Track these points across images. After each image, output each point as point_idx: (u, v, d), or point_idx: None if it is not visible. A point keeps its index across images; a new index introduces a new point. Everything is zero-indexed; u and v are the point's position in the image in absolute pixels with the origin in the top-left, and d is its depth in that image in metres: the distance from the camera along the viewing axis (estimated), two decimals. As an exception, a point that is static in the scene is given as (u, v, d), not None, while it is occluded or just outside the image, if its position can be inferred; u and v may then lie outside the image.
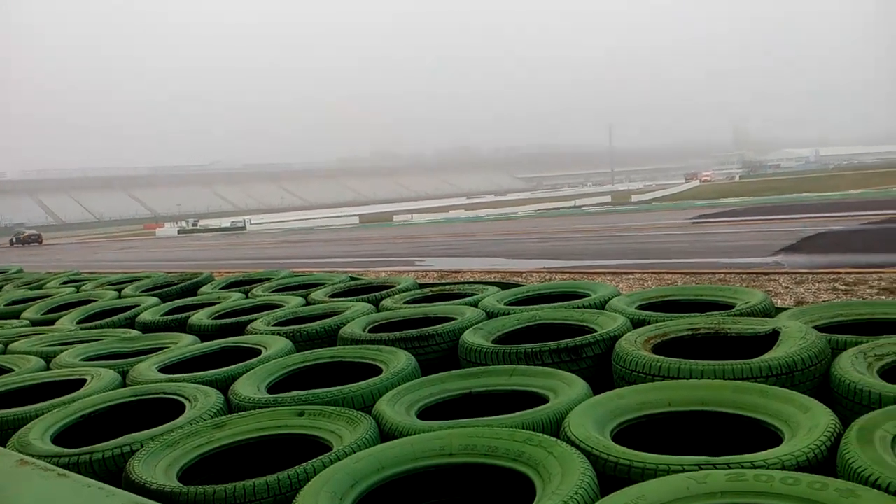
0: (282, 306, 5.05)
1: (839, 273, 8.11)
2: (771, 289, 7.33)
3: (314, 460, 2.19)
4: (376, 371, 3.19)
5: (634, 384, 2.70)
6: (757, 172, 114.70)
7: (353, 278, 6.22)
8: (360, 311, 4.46)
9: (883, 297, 6.42)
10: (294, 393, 2.92)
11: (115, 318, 5.35)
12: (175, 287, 6.39)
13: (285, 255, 23.36)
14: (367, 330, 3.99)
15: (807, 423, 2.15)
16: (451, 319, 3.91)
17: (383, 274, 11.50)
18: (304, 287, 5.98)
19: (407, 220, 50.64)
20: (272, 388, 3.18)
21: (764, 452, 1.98)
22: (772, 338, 2.97)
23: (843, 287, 7.15)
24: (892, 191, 33.42)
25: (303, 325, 4.21)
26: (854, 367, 2.55)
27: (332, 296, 5.42)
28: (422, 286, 5.44)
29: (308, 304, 5.15)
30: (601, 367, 3.14)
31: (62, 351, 4.12)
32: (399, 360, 3.21)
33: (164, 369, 3.62)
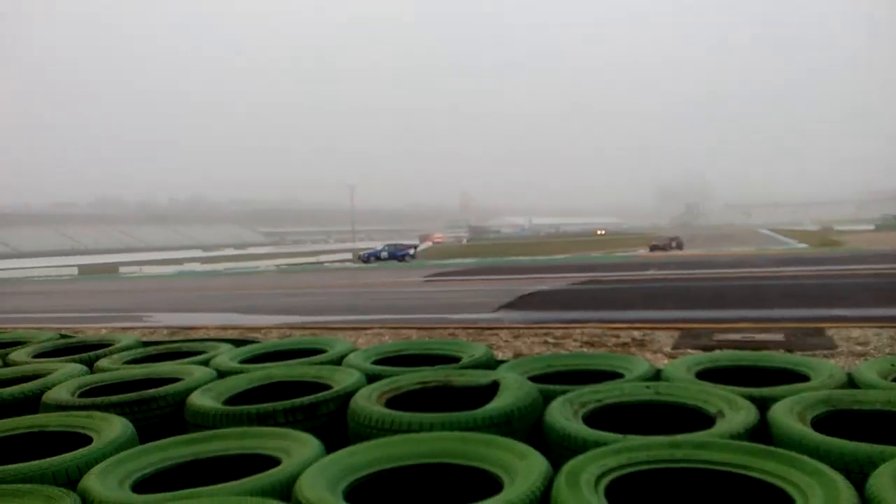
0: (-30, 369, 4.32)
1: (549, 328, 9.05)
2: (493, 342, 7.93)
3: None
4: (86, 441, 2.84)
5: (369, 439, 2.72)
6: (481, 236, 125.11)
7: (63, 336, 5.56)
8: (69, 372, 3.98)
9: (585, 350, 7.28)
10: (-20, 471, 2.48)
11: None
12: None
13: (-22, 310, 20.05)
14: (76, 394, 3.55)
15: (524, 469, 2.32)
16: (178, 380, 3.64)
17: (103, 331, 10.37)
18: (1, 346, 5.20)
19: (135, 272, 46.63)
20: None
21: (487, 501, 2.09)
22: (493, 388, 3.20)
23: (552, 340, 7.98)
24: (590, 256, 38.59)
25: (-4, 391, 3.62)
26: (562, 414, 2.84)
27: (37, 356, 4.80)
28: (146, 344, 5.03)
29: (6, 365, 4.51)
30: (337, 424, 3.12)
31: None
32: (113, 427, 2.89)
33: None
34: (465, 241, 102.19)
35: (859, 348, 6.70)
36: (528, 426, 2.89)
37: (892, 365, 3.42)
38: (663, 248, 49.19)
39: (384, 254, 48.70)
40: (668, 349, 7.12)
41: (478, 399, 3.16)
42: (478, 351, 4.15)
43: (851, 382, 3.26)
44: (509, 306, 13.10)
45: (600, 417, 2.96)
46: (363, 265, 43.05)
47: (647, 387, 3.17)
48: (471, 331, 9.09)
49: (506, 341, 8.08)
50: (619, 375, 3.59)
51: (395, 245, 51.56)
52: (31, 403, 3.56)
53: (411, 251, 49.51)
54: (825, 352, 6.56)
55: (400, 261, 46.81)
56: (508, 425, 2.81)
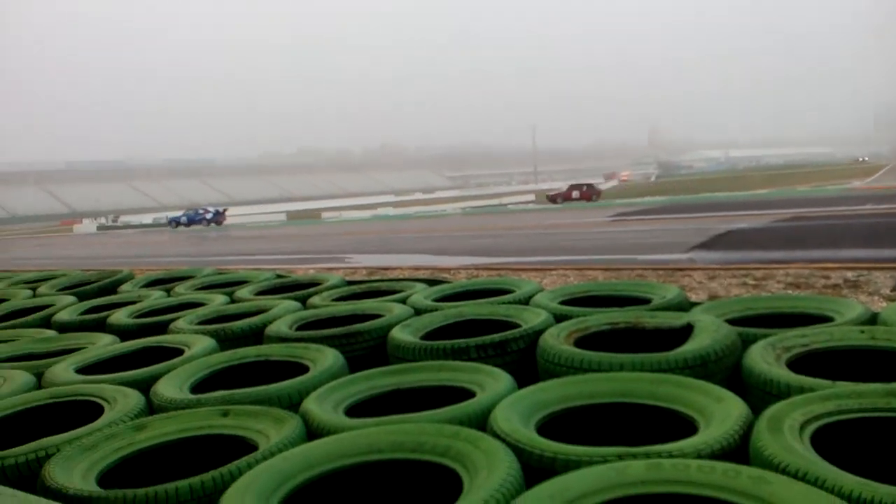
0: (205, 304, 4.94)
1: (748, 269, 8.52)
2: (685, 284, 7.63)
3: (239, 461, 2.16)
4: (303, 369, 3.16)
5: (558, 377, 2.78)
6: (671, 173, 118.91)
7: (279, 276, 6.13)
8: (286, 308, 4.41)
9: (789, 292, 6.79)
10: (219, 393, 2.86)
11: (28, 317, 5.11)
12: (93, 285, 6.15)
13: (210, 252, 22.74)
14: (293, 328, 3.94)
15: (720, 412, 2.26)
16: (380, 316, 3.91)
17: (311, 271, 11.35)
18: (228, 285, 5.86)
19: (336, 217, 50.09)
20: (195, 389, 3.11)
21: (680, 442, 2.06)
22: (686, 331, 3.11)
23: (752, 282, 7.52)
24: (795, 191, 35.33)
25: (227, 324, 4.13)
26: (763, 358, 2.70)
27: (258, 294, 5.33)
28: (350, 283, 5.42)
29: (232, 302, 5.06)
30: (526, 362, 3.21)
31: (-31, 354, 3.91)
32: (327, 357, 3.19)
33: (82, 370, 3.48)
34: (653, 179, 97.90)
35: None
36: (725, 370, 2.79)
37: None
38: (564, 199, 42.78)
39: (184, 219, 50.88)
40: (886, 291, 6.44)
41: (670, 342, 3.09)
42: (669, 292, 4.03)
43: None
44: (703, 246, 12.47)
45: (806, 363, 2.77)
46: (545, 206, 42.78)
47: (862, 331, 2.91)
48: (661, 272, 8.81)
49: (699, 283, 7.75)
50: (829, 319, 3.32)
51: (194, 211, 53.66)
52: (257, 335, 4.01)
53: (208, 216, 50.68)
54: None
55: (199, 224, 49.29)
56: (703, 368, 2.73)
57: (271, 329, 3.89)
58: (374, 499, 2.26)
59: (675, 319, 3.29)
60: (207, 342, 3.70)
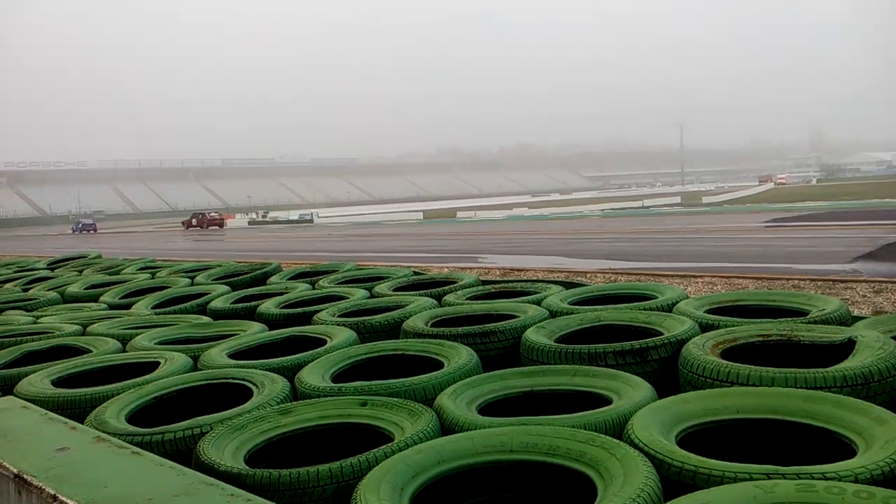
0: (347, 298, 5.14)
1: (922, 283, 7.72)
2: (847, 297, 7.03)
3: (376, 450, 2.23)
4: (438, 365, 3.21)
5: (701, 389, 2.64)
6: (835, 176, 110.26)
7: (416, 273, 6.27)
8: (422, 305, 4.50)
9: (970, 310, 6.08)
10: (358, 383, 2.96)
11: (187, 304, 5.55)
12: (245, 276, 6.58)
13: (351, 249, 23.73)
14: (429, 324, 4.02)
15: (883, 435, 2.06)
16: (514, 317, 3.90)
17: (446, 270, 11.54)
18: (368, 280, 6.07)
19: (470, 217, 50.64)
20: (336, 378, 3.24)
21: (836, 464, 1.91)
22: (847, 347, 2.86)
23: (926, 298, 6.81)
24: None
25: (367, 318, 4.27)
26: (938, 380, 2.43)
27: (396, 289, 5.47)
28: (484, 283, 5.44)
29: (372, 296, 5.23)
30: (667, 371, 3.08)
31: (137, 334, 4.29)
32: (461, 355, 3.22)
33: (234, 355, 3.72)
34: (814, 182, 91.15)
35: None
36: (891, 391, 2.53)
37: None
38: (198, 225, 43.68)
39: (78, 227, 57.72)
40: None
41: (828, 358, 2.85)
42: (829, 305, 3.71)
43: None
44: (869, 256, 11.45)
45: None
46: (691, 209, 40.94)
47: None
48: (820, 283, 8.17)
49: (863, 296, 7.12)
50: None
51: (82, 218, 61.95)
52: (394, 330, 4.12)
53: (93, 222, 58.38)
54: None
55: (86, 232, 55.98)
56: (866, 387, 2.49)
57: (408, 324, 3.98)
58: (504, 498, 2.25)
59: (835, 334, 3.03)
60: (348, 334, 3.84)
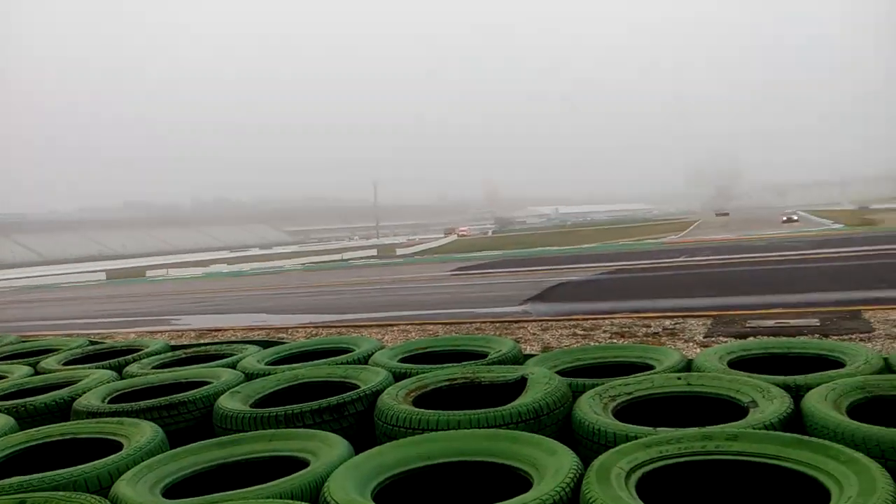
0: (4, 377, 4.42)
1: (578, 319, 8.97)
2: (521, 336, 7.88)
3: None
4: (116, 447, 2.86)
5: (396, 439, 2.71)
6: (507, 228, 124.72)
7: (92, 342, 5.64)
8: (99, 379, 4.03)
9: (615, 341, 7.21)
10: (14, 479, 2.51)
11: None
12: None
13: (13, 318, 20.47)
14: (106, 400, 3.59)
15: (553, 465, 2.29)
16: (206, 383, 3.66)
17: (131, 336, 10.51)
18: (32, 354, 5.31)
19: (162, 276, 47.25)
20: (-17, 478, 2.70)
21: (516, 498, 2.06)
22: (521, 384, 3.17)
23: (581, 332, 7.91)
24: (618, 245, 38.21)
25: (28, 399, 3.71)
26: (592, 408, 2.80)
27: (67, 363, 4.87)
28: (174, 348, 5.07)
29: (37, 373, 4.58)
30: (365, 424, 3.12)
31: None
32: (144, 433, 2.91)
33: None
34: (490, 233, 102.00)
35: (896, 331, 6.55)
36: (558, 422, 2.85)
37: (932, 348, 3.32)
38: None
39: None
40: (700, 338, 7.02)
41: (506, 395, 3.13)
42: (505, 346, 4.12)
43: (888, 367, 3.17)
44: (537, 298, 13.03)
45: (631, 411, 2.91)
46: (387, 261, 43.11)
47: (679, 378, 3.11)
48: (498, 325, 9.05)
49: (534, 334, 8.03)
50: (650, 367, 3.53)
51: None
52: (63, 411, 3.60)
53: None
54: (861, 335, 6.42)
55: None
56: (537, 421, 2.78)
57: (80, 403, 3.52)
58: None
59: (510, 373, 3.35)
60: (3, 421, 3.27)
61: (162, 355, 4.73)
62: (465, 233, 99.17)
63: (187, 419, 3.31)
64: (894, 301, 8.69)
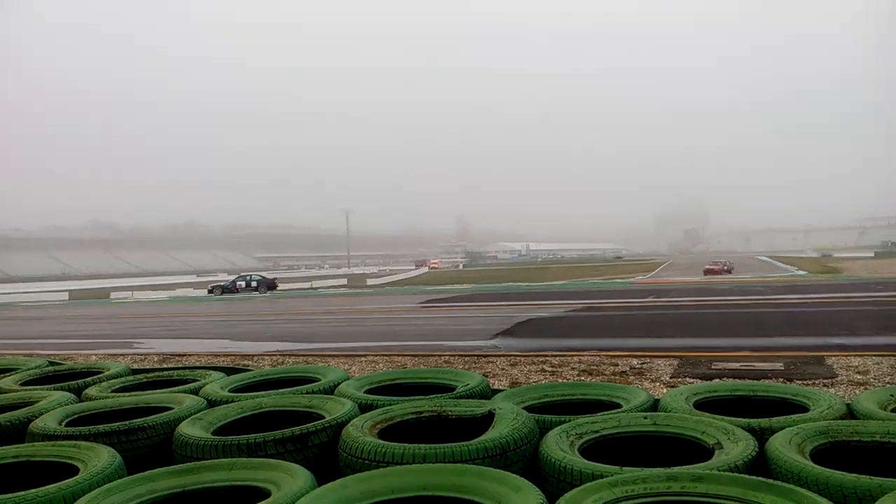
0: (-46, 398, 4.24)
1: (546, 356, 8.98)
2: (489, 370, 7.86)
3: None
4: (72, 471, 2.77)
5: (361, 471, 2.66)
6: (477, 262, 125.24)
7: (52, 363, 5.48)
8: (57, 400, 3.92)
9: (582, 378, 7.22)
10: (-42, 506, 2.41)
11: None
12: None
13: (-33, 336, 19.87)
14: (63, 423, 3.49)
15: (518, 502, 2.27)
16: (167, 409, 3.58)
17: (92, 358, 10.26)
18: (-14, 374, 5.11)
19: (126, 298, 46.38)
20: (-74, 502, 2.59)
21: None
22: (488, 419, 3.15)
23: (549, 369, 7.91)
24: (587, 282, 38.50)
25: (-20, 421, 3.55)
26: (559, 445, 2.79)
27: (25, 384, 4.73)
28: (136, 372, 4.96)
29: (-9, 394, 4.40)
30: (329, 455, 3.06)
31: None
32: (100, 457, 2.83)
33: None
34: (461, 267, 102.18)
35: (859, 377, 6.66)
36: (524, 458, 2.83)
37: (892, 395, 3.38)
38: None
39: None
40: (666, 378, 7.06)
41: (473, 430, 3.10)
42: (473, 380, 4.10)
43: (851, 413, 3.22)
44: (506, 333, 13.03)
45: (597, 449, 2.91)
46: (357, 291, 42.89)
47: (645, 417, 3.12)
48: (466, 358, 9.03)
49: (502, 369, 8.02)
50: (617, 405, 3.54)
51: None
52: (18, 432, 3.49)
53: None
54: (825, 381, 6.52)
55: None
56: (503, 457, 2.76)
57: (36, 425, 3.41)
58: None
59: (477, 407, 3.33)
60: (-50, 443, 3.15)
61: (123, 379, 4.62)
62: (436, 265, 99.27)
63: (146, 445, 3.22)
64: (857, 348, 8.86)
